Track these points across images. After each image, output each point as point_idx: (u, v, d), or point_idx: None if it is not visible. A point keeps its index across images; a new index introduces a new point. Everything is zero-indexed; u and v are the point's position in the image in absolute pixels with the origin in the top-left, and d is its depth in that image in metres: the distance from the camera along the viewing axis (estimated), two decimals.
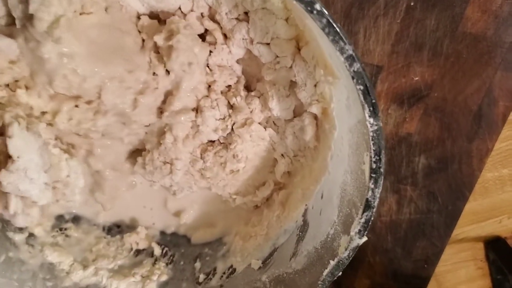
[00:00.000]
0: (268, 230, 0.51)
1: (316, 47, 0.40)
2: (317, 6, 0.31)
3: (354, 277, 0.67)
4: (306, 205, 0.49)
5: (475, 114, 0.55)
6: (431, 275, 0.67)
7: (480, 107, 0.54)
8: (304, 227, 0.48)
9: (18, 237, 0.49)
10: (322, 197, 0.46)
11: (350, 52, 0.32)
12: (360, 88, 0.33)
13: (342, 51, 0.32)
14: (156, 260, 0.54)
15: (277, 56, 0.44)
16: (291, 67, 0.44)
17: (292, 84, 0.46)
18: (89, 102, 0.43)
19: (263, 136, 0.49)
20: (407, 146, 0.57)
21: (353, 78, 0.33)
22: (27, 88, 0.42)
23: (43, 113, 0.44)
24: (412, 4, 0.49)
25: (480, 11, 0.49)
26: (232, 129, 0.48)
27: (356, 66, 0.33)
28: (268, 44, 0.44)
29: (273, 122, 0.49)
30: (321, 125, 0.46)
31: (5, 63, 0.40)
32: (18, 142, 0.41)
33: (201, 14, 0.45)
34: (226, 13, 0.44)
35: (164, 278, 0.52)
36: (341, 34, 0.32)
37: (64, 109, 0.42)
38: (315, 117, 0.46)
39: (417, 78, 0.53)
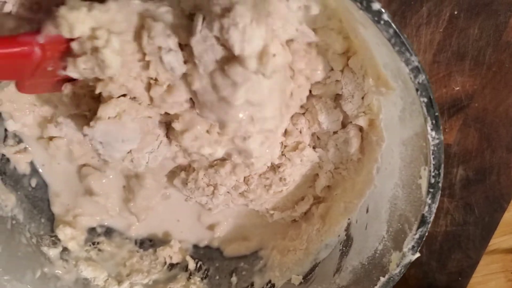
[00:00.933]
0: (307, 244, 0.50)
1: (366, 57, 0.39)
2: (385, 16, 0.30)
3: None
4: (349, 219, 0.47)
5: None
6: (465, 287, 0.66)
7: None
8: (347, 241, 0.47)
9: (53, 252, 0.48)
10: (367, 211, 0.45)
11: (416, 63, 0.31)
12: (424, 101, 0.33)
13: (407, 62, 0.31)
14: (190, 274, 0.53)
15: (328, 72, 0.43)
16: (338, 80, 0.43)
17: (337, 96, 0.45)
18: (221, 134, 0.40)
19: (313, 159, 0.47)
20: (445, 157, 0.54)
21: (417, 90, 0.32)
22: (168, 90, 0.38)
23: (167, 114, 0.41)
24: (455, 13, 0.48)
25: None
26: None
27: (421, 77, 0.32)
28: None
29: (317, 136, 0.48)
30: (366, 137, 0.45)
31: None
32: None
33: None
34: None
35: None
36: (407, 45, 0.31)
37: (197, 128, 0.40)
38: (360, 129, 0.45)
39: (458, 88, 0.52)
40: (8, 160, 0.47)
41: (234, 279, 0.52)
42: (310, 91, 0.44)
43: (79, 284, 0.48)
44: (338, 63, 0.42)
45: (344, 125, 0.46)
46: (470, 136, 0.55)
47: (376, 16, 0.30)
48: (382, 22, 0.30)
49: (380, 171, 0.43)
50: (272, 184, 0.47)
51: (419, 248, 0.39)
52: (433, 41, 0.49)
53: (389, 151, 0.42)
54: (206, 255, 0.54)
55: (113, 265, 0.51)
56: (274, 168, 0.48)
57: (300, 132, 0.46)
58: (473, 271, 0.64)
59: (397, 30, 0.30)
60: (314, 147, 0.49)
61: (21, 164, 0.48)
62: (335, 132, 0.46)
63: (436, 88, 0.52)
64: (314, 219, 0.50)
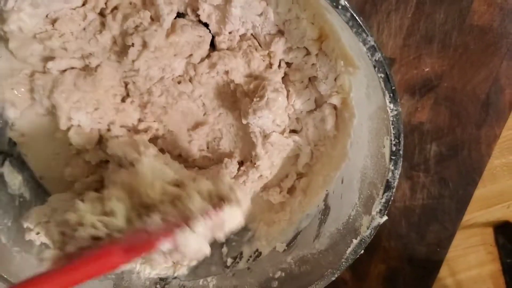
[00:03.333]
0: (291, 215, 0.54)
1: (336, 40, 0.43)
2: (342, 2, 0.34)
3: (370, 262, 0.70)
4: (327, 190, 0.52)
5: (483, 102, 0.58)
6: (443, 258, 0.70)
7: (487, 96, 0.57)
8: (325, 210, 0.51)
9: None
10: (342, 182, 0.50)
11: (372, 43, 0.35)
12: (381, 76, 0.37)
13: (364, 42, 0.35)
14: None
15: (304, 56, 0.47)
16: (314, 63, 0.47)
17: (311, 78, 0.49)
18: None
19: (288, 143, 0.52)
20: (419, 134, 0.60)
21: (374, 67, 0.36)
22: None
23: None
24: None
25: (486, 4, 0.52)
26: None
27: (377, 55, 0.36)
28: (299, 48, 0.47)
29: (296, 118, 0.52)
30: (340, 114, 0.49)
31: None
32: None
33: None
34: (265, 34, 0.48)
35: (194, 262, 0.55)
36: (363, 27, 0.35)
37: None
38: (335, 107, 0.49)
39: (427, 69, 0.56)
40: (14, 143, 0.51)
41: (225, 249, 0.57)
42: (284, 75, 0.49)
43: None
44: (313, 48, 0.46)
45: (319, 105, 0.50)
46: (441, 114, 0.59)
47: (334, 2, 0.34)
48: (340, 7, 0.34)
49: (353, 145, 0.48)
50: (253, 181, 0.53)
51: (386, 211, 0.43)
52: (402, 26, 0.53)
53: (359, 126, 0.46)
54: None
55: None
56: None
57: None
58: (450, 242, 0.68)
59: (354, 14, 0.34)
60: (294, 131, 0.53)
61: None
62: (311, 112, 0.51)
63: (407, 69, 0.56)
64: (297, 192, 0.55)
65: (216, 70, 0.48)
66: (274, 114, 0.49)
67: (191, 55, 0.48)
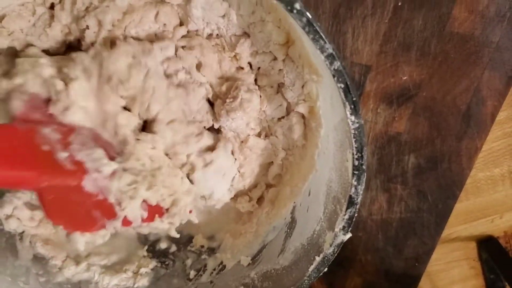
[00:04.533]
0: (257, 227, 0.52)
1: (301, 46, 0.41)
2: (297, 5, 0.31)
3: (346, 276, 0.67)
4: (294, 202, 0.49)
5: (463, 113, 0.55)
6: (422, 273, 0.67)
7: (468, 107, 0.55)
8: (292, 224, 0.49)
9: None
10: (309, 194, 0.47)
11: (330, 50, 0.33)
12: (341, 86, 0.34)
13: (322, 49, 0.33)
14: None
15: (271, 61, 0.45)
16: (281, 69, 0.45)
17: (280, 84, 0.47)
18: None
19: (263, 146, 0.50)
20: (396, 145, 0.57)
21: (334, 76, 0.34)
22: None
23: None
24: (399, 4, 0.49)
25: (467, 11, 0.50)
26: None
27: (336, 64, 0.33)
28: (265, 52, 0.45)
29: (268, 126, 0.50)
30: (308, 124, 0.47)
31: None
32: None
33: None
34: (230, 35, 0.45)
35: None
36: (320, 33, 0.32)
37: None
38: (303, 116, 0.47)
39: (405, 78, 0.53)
40: None
41: (188, 261, 0.54)
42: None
43: (37, 264, 0.50)
44: (279, 53, 0.44)
45: (289, 113, 0.48)
46: (420, 124, 0.56)
47: (288, 5, 0.31)
48: (294, 11, 0.32)
49: (320, 156, 0.45)
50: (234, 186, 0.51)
51: (350, 228, 0.41)
52: (379, 32, 0.51)
53: (326, 136, 0.43)
54: None
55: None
56: None
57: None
58: (429, 258, 0.66)
59: (310, 19, 0.32)
60: (266, 135, 0.51)
61: None
62: (280, 119, 0.48)
63: (384, 77, 0.53)
64: (264, 203, 0.52)
65: (191, 55, 0.46)
66: (248, 116, 0.47)
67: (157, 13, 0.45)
